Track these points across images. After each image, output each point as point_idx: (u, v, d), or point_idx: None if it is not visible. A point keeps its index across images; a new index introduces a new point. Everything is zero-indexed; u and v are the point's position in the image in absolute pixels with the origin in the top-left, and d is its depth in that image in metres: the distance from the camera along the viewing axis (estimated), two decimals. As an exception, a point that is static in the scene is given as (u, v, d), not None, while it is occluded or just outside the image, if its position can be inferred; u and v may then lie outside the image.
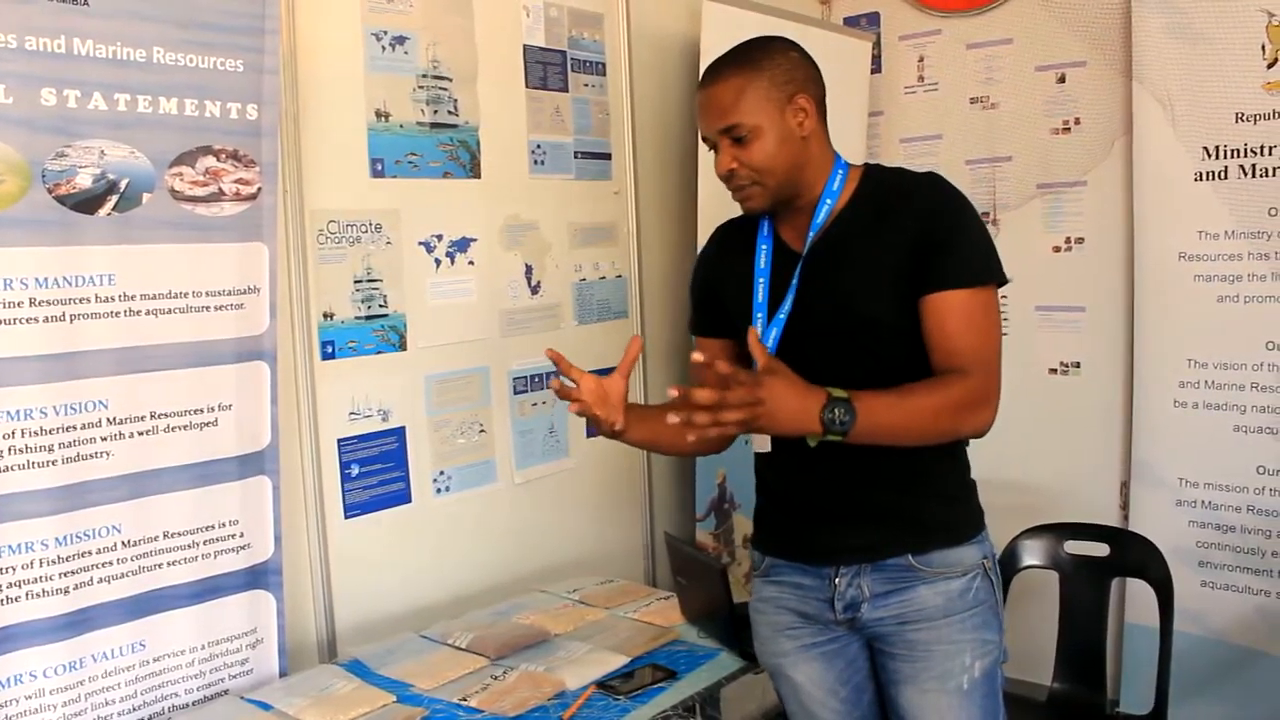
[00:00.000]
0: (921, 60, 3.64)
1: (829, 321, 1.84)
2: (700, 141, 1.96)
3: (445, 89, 2.54)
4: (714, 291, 2.03)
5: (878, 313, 1.82)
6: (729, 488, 3.17)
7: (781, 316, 1.88)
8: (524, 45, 2.73)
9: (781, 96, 1.82)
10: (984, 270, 1.80)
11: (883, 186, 1.88)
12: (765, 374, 1.62)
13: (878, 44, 3.69)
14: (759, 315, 1.90)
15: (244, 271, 2.07)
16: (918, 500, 1.87)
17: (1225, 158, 2.99)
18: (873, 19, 3.74)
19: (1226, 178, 2.99)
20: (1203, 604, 3.10)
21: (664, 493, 3.17)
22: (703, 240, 2.86)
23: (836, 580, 1.89)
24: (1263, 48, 2.89)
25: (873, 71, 3.65)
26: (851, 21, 3.77)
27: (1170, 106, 3.06)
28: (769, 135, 1.80)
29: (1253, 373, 3.00)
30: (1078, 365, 3.39)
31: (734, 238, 2.02)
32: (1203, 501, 3.11)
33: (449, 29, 2.55)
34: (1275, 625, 3.01)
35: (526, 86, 2.73)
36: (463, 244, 2.59)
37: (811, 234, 1.87)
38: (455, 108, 2.56)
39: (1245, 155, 2.96)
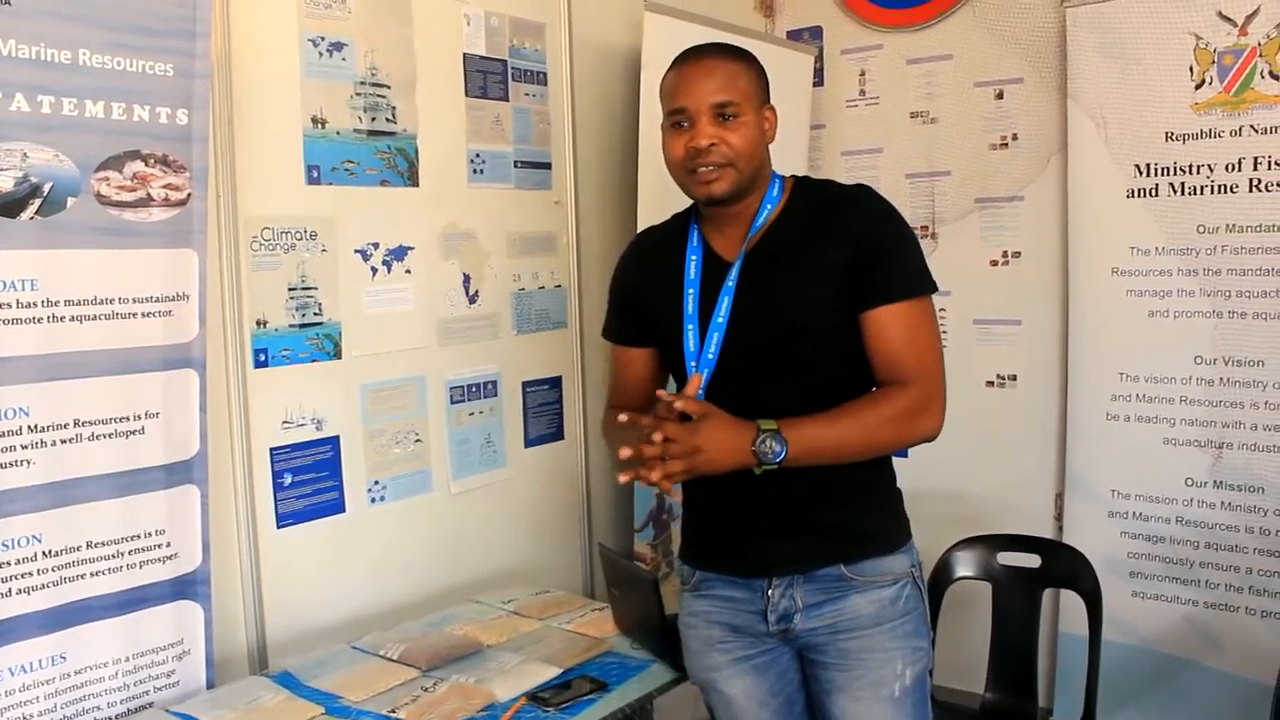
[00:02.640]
0: (863, 74, 3.67)
1: (768, 330, 1.85)
2: (665, 127, 1.89)
3: (383, 96, 2.52)
4: (634, 300, 2.04)
5: (816, 323, 1.84)
6: (667, 498, 3.17)
7: (721, 322, 1.87)
8: (464, 53, 2.72)
9: (762, 96, 1.90)
10: (920, 282, 1.85)
11: (815, 198, 1.93)
12: (700, 420, 1.69)
13: (820, 57, 3.71)
14: (690, 326, 1.90)
15: (172, 278, 2.04)
16: (849, 510, 1.89)
17: (1156, 175, 3.04)
18: (815, 33, 3.77)
19: (1157, 195, 3.05)
20: (1133, 614, 3.14)
21: (602, 503, 3.17)
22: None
23: (770, 592, 1.89)
24: (1191, 69, 2.95)
25: (815, 84, 3.67)
26: (794, 35, 3.80)
27: (1104, 124, 3.11)
28: (752, 124, 1.85)
29: (1182, 386, 3.06)
30: (1014, 378, 3.43)
31: (655, 246, 2.04)
32: (1134, 513, 3.15)
33: (388, 36, 2.53)
34: (1203, 634, 3.06)
35: (466, 95, 2.72)
36: (400, 252, 2.57)
37: (749, 239, 1.88)
38: (393, 115, 2.54)
39: (1175, 174, 3.01)
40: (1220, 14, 2.90)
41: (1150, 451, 3.11)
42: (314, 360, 2.42)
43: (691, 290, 1.92)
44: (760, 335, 1.86)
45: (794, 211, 1.90)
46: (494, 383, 2.84)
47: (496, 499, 2.87)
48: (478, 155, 2.75)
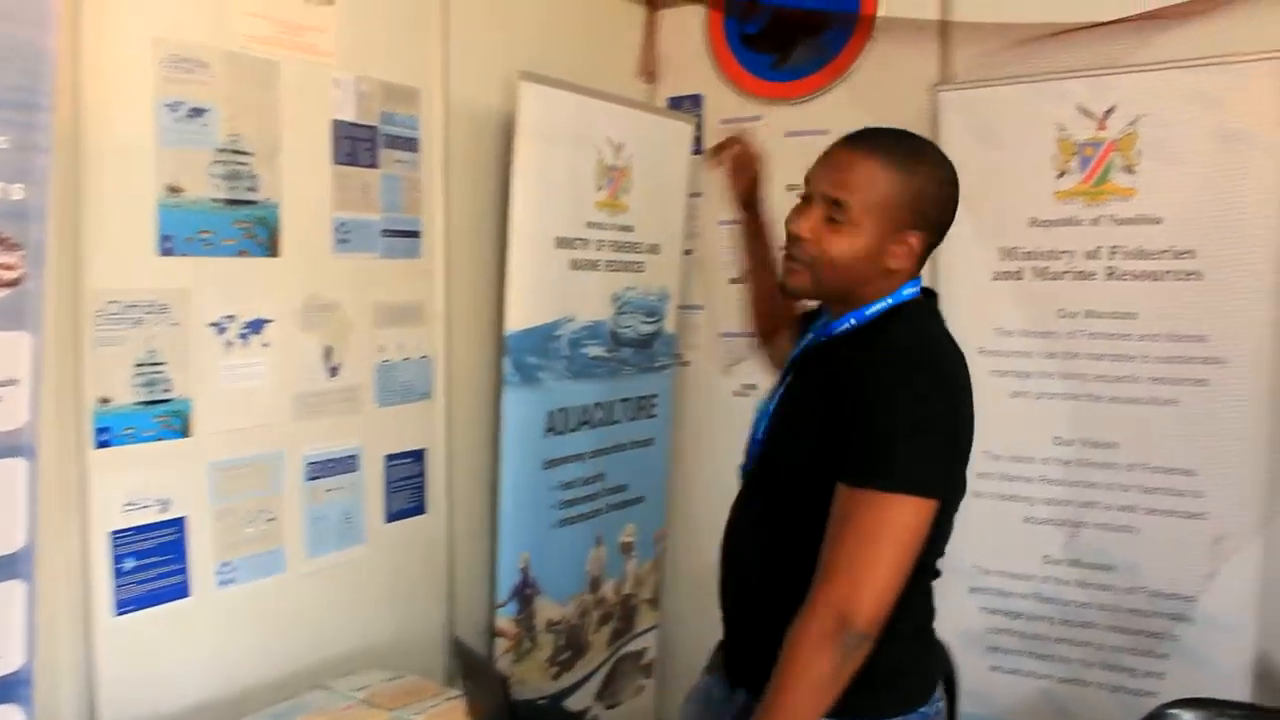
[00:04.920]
0: (741, 145, 3.69)
1: (774, 460, 1.82)
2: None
3: (245, 164, 2.43)
4: None
5: (791, 456, 1.78)
6: (532, 572, 3.12)
7: (757, 439, 1.86)
8: (333, 119, 2.64)
9: (903, 220, 1.72)
10: (876, 472, 1.60)
11: (866, 333, 1.78)
12: None
13: (700, 126, 3.73)
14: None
15: (2, 363, 1.92)
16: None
17: (1020, 260, 3.12)
18: (696, 101, 3.78)
19: (1021, 279, 3.12)
20: (991, 687, 3.19)
21: (465, 578, 3.10)
22: (514, 318, 2.88)
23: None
24: (1054, 158, 3.04)
25: (694, 153, 3.68)
26: (675, 102, 3.81)
27: (973, 207, 3.15)
28: (862, 237, 1.71)
29: (1041, 466, 3.13)
30: (881, 452, 3.46)
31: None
32: (994, 589, 3.21)
33: (252, 102, 2.45)
34: (1057, 708, 3.13)
35: (334, 162, 2.65)
36: (257, 325, 2.48)
37: (803, 344, 1.87)
38: (255, 184, 2.46)
39: (1038, 258, 3.09)
40: (1081, 108, 2.99)
41: (1011, 529, 3.17)
42: (161, 439, 2.31)
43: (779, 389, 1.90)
44: (770, 459, 1.83)
45: (850, 338, 1.79)
46: (354, 457, 2.76)
47: (354, 577, 2.78)
48: (343, 224, 2.68)
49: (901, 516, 1.59)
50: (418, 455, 2.95)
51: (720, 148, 2.37)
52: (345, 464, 2.73)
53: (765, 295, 2.34)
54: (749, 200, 2.38)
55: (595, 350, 3.27)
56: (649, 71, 3.79)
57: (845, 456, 1.62)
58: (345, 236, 2.68)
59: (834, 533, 1.61)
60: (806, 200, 1.77)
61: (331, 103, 2.65)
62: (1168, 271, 2.91)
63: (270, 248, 2.50)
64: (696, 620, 3.32)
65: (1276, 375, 2.83)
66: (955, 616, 3.12)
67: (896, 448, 1.60)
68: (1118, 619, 3.04)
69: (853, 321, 1.80)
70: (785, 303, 2.19)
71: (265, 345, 2.51)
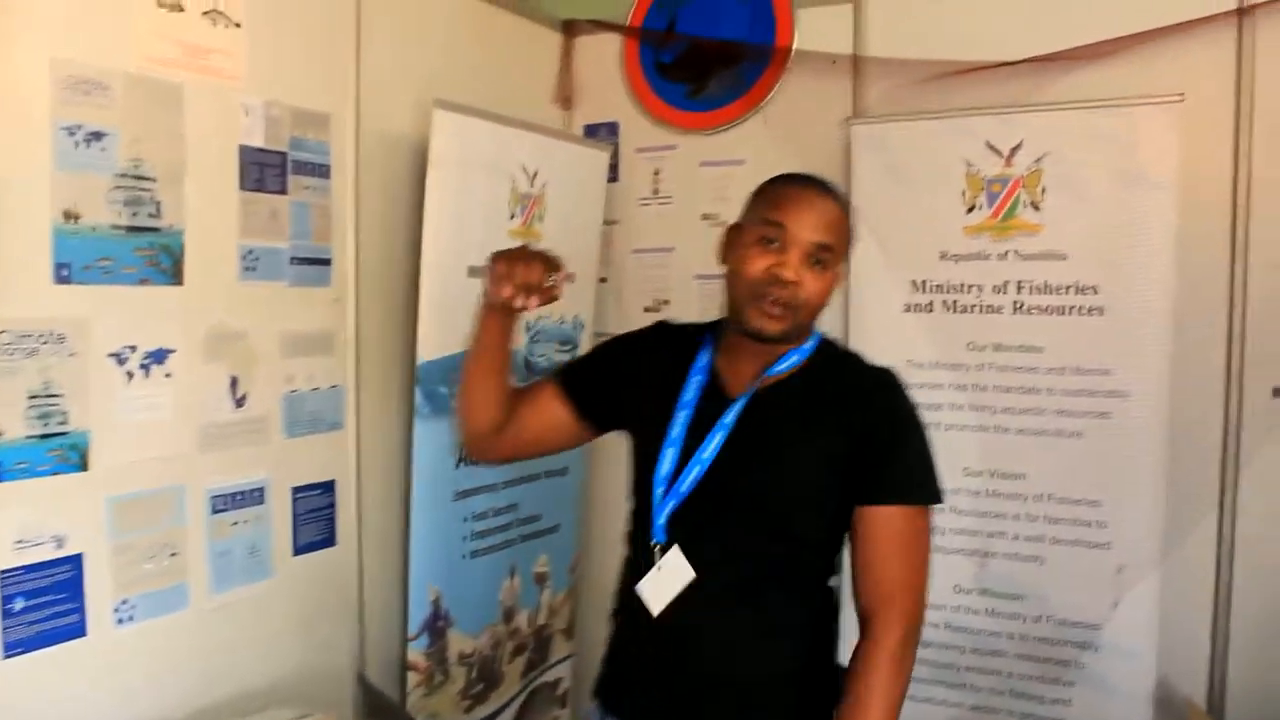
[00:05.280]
0: (657, 173, 3.71)
1: (754, 479, 1.80)
2: (750, 238, 1.80)
3: (147, 189, 2.36)
4: (620, 378, 1.95)
5: (800, 489, 1.80)
6: (444, 604, 3.07)
7: (706, 458, 1.80)
8: (240, 145, 2.58)
9: (847, 254, 1.87)
10: (924, 489, 1.82)
11: (839, 366, 1.89)
12: None
13: (616, 154, 3.73)
14: (669, 450, 1.81)
15: (-115, 396, 1.84)
16: None
17: (930, 292, 3.17)
18: (612, 128, 3.79)
19: (931, 311, 3.17)
20: (903, 716, 3.20)
21: (376, 611, 3.04)
22: (427, 347, 2.83)
23: None
24: (963, 194, 3.09)
25: (610, 180, 3.68)
26: (591, 130, 3.81)
27: (883, 240, 3.22)
28: (832, 279, 1.82)
29: (952, 497, 3.11)
30: (796, 481, 3.48)
31: (669, 347, 1.94)
32: (906, 618, 3.23)
33: (155, 126, 2.38)
34: (966, 736, 3.16)
35: (240, 188, 2.58)
36: (159, 355, 2.41)
37: (761, 380, 1.82)
38: (158, 210, 2.39)
39: (948, 291, 3.14)
40: (989, 144, 3.05)
41: (921, 559, 3.20)
42: (56, 473, 2.22)
43: (684, 412, 1.83)
44: (744, 482, 1.80)
45: (812, 371, 1.86)
46: (260, 490, 2.69)
47: (260, 612, 2.71)
48: (250, 251, 2.62)
49: (931, 525, 1.85)
50: (327, 487, 2.89)
51: (510, 262, 1.84)
52: (251, 496, 2.67)
53: (499, 393, 2.05)
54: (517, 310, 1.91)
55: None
56: (565, 98, 3.78)
57: (889, 478, 1.78)
58: (252, 264, 2.62)
59: (886, 551, 1.77)
60: (775, 244, 1.76)
61: (239, 127, 2.59)
62: (1072, 306, 2.98)
63: (174, 275, 2.43)
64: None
65: (1175, 409, 2.91)
66: (868, 645, 3.16)
67: (930, 464, 1.83)
68: (1026, 647, 3.09)
69: (796, 358, 1.85)
70: (508, 393, 2.06)
71: (168, 376, 2.43)
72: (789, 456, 1.80)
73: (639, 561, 1.88)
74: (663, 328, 2.05)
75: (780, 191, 1.82)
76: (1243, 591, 2.99)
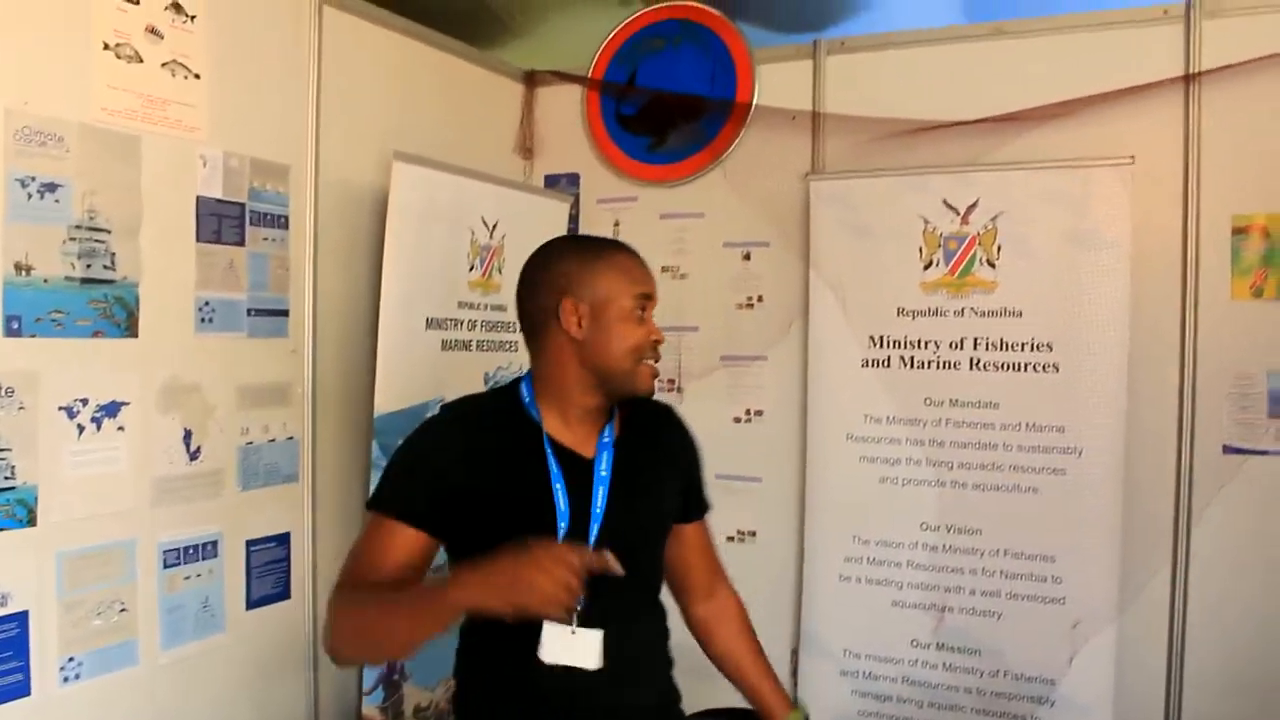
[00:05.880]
0: (618, 224, 3.73)
1: (643, 520, 1.92)
2: (624, 313, 1.83)
3: (102, 241, 2.34)
4: (453, 489, 1.80)
5: (667, 525, 2.02)
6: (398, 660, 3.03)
7: (598, 513, 1.83)
8: (198, 196, 2.57)
9: None
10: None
11: (636, 406, 1.96)
12: None
13: (576, 204, 3.75)
14: (562, 524, 1.79)
15: None
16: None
17: (888, 348, 3.19)
18: (573, 179, 3.81)
19: (889, 366, 3.19)
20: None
21: (330, 665, 2.97)
22: (384, 399, 2.81)
23: None
24: (920, 250, 3.13)
25: (570, 231, 3.69)
26: (552, 180, 3.82)
27: (842, 294, 3.25)
28: None
29: (909, 551, 3.18)
30: (754, 534, 3.49)
31: (485, 434, 1.86)
32: (864, 672, 3.24)
33: (111, 177, 2.37)
34: (923, 787, 3.17)
35: (197, 240, 2.57)
36: (112, 408, 2.38)
37: (608, 436, 1.89)
38: (112, 262, 2.37)
39: (905, 347, 3.17)
40: (946, 202, 3.09)
41: (879, 613, 3.21)
42: (2, 529, 2.18)
43: (559, 486, 1.81)
44: (636, 525, 1.88)
45: (628, 417, 1.95)
46: (214, 543, 2.65)
47: (213, 667, 2.66)
48: (207, 303, 2.60)
49: None
50: (282, 539, 2.85)
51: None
52: (204, 550, 2.63)
53: None
54: None
55: (468, 431, 3.22)
56: (526, 148, 3.80)
57: (701, 497, 2.10)
58: (209, 316, 2.60)
59: (707, 548, 2.13)
60: (643, 311, 1.87)
61: (197, 178, 2.58)
62: (1028, 363, 3.02)
63: (128, 328, 2.41)
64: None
65: (1129, 465, 2.94)
66: (826, 698, 3.18)
67: None
68: (983, 702, 3.10)
69: (618, 411, 1.96)
70: None
71: (120, 429, 2.40)
72: (655, 493, 1.95)
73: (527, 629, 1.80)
74: (459, 415, 1.93)
75: (626, 265, 1.88)
76: (1196, 646, 3.01)
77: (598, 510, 1.83)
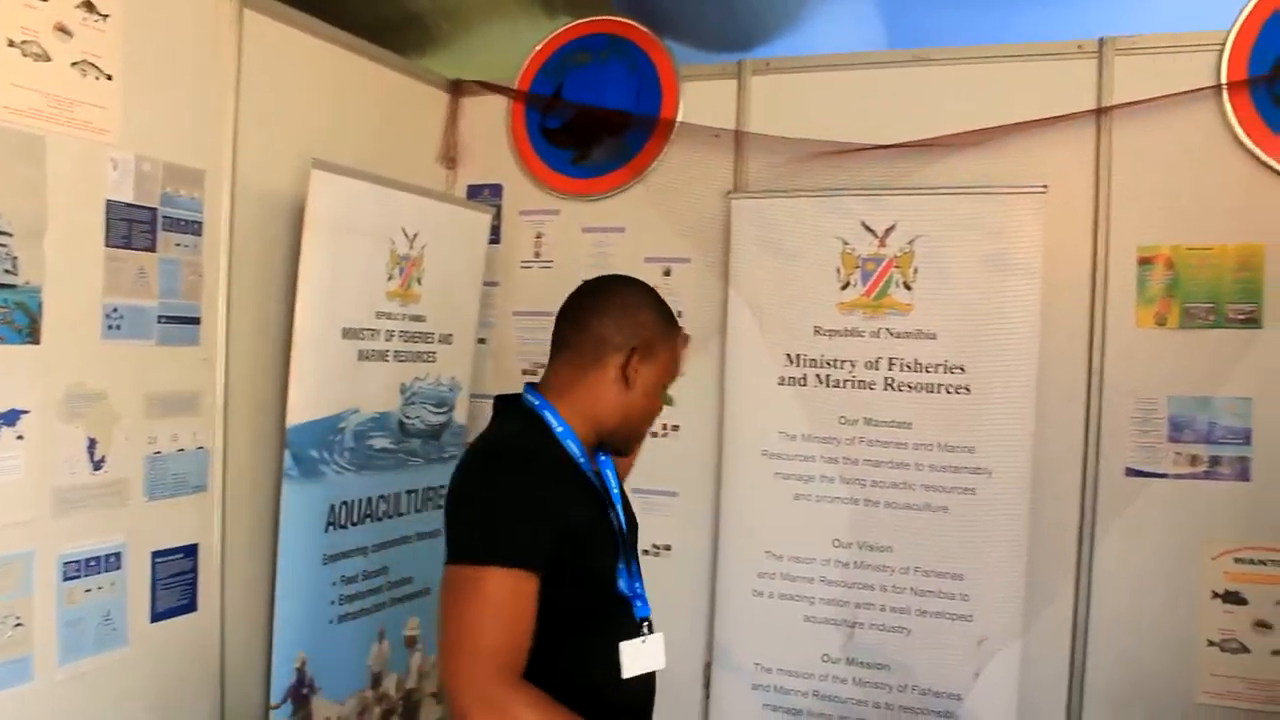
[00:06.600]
0: (539, 237, 3.73)
1: (635, 533, 2.05)
2: (659, 383, 2.00)
3: (3, 245, 2.28)
4: (564, 527, 1.78)
5: None
6: (309, 670, 2.99)
7: (624, 529, 1.95)
8: (107, 200, 2.51)
9: None
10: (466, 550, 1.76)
11: None
12: None
13: (499, 216, 3.73)
14: (620, 543, 1.93)
15: None
16: None
17: (804, 366, 3.22)
18: (496, 190, 3.80)
19: (805, 384, 3.23)
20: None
21: (238, 678, 2.94)
22: (298, 409, 2.79)
23: None
24: (838, 271, 3.17)
25: (492, 242, 3.67)
26: (475, 190, 3.81)
27: (760, 313, 3.27)
28: None
29: (821, 567, 3.21)
30: (669, 548, 3.51)
31: (564, 471, 1.87)
32: (775, 686, 3.27)
33: (14, 179, 2.30)
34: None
35: (106, 245, 2.51)
36: (10, 417, 2.31)
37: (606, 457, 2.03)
38: (14, 266, 2.30)
39: (821, 366, 3.20)
40: (864, 224, 3.13)
41: (791, 628, 3.24)
42: (-108, 540, 2.12)
43: (617, 510, 1.96)
44: (634, 535, 2.05)
45: None
46: (117, 555, 2.59)
47: (114, 683, 2.59)
48: (115, 310, 2.54)
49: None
50: (189, 550, 2.80)
51: None
52: (107, 562, 2.57)
53: None
54: None
55: (381, 442, 3.19)
56: (450, 158, 3.78)
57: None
58: (116, 323, 2.55)
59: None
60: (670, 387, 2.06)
61: (107, 182, 2.52)
62: (941, 385, 3.07)
63: (29, 334, 2.34)
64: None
65: (1035, 486, 3.01)
66: (737, 713, 3.20)
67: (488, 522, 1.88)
68: (891, 716, 3.14)
69: None
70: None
71: (20, 438, 2.34)
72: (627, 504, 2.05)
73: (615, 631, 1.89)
74: (536, 454, 1.86)
75: (684, 349, 2.04)
76: (1097, 663, 3.09)
77: (623, 525, 1.95)
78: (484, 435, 1.96)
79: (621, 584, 1.91)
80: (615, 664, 1.87)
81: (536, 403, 1.92)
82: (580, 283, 2.06)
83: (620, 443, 1.98)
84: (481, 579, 1.66)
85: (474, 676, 1.62)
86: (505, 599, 1.67)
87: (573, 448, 1.89)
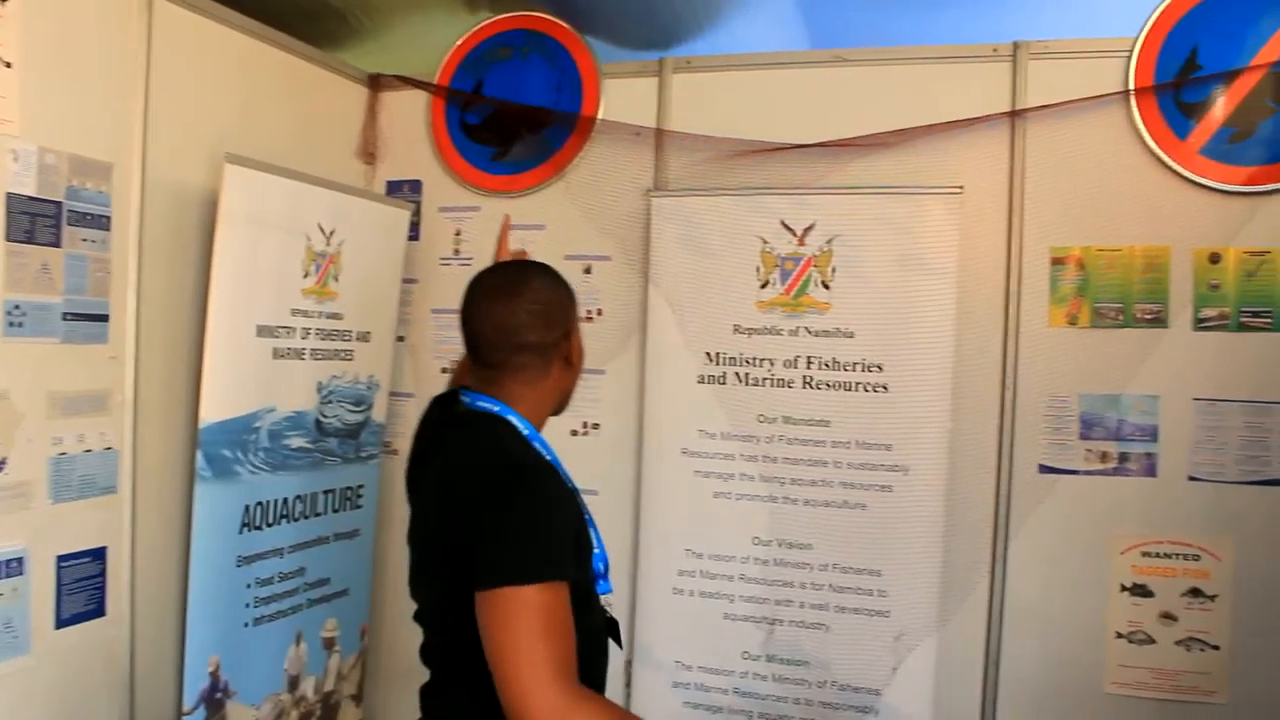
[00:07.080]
0: (459, 234, 3.69)
1: None
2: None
3: (-102, 239, 2.21)
4: (578, 527, 1.82)
5: None
6: (223, 674, 2.93)
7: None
8: (8, 193, 2.43)
9: None
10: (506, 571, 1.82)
11: None
12: None
13: (418, 212, 3.69)
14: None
15: None
16: None
17: (724, 364, 3.24)
18: (415, 186, 3.75)
19: (725, 383, 3.24)
20: (692, 781, 3.25)
21: (149, 684, 2.87)
22: (210, 408, 2.73)
23: None
24: (758, 269, 3.18)
25: (411, 239, 3.63)
26: (394, 186, 3.76)
27: (680, 311, 3.28)
28: None
29: (741, 565, 3.23)
30: (590, 546, 3.49)
31: (556, 471, 1.86)
32: (696, 684, 3.28)
33: (-90, 171, 2.23)
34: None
35: (7, 239, 2.43)
36: (-93, 418, 2.24)
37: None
38: (-90, 261, 2.23)
39: (740, 364, 3.22)
40: (783, 223, 3.15)
41: (712, 626, 3.25)
42: None
43: (588, 514, 1.90)
44: None
45: None
46: (19, 559, 2.51)
47: (14, 692, 2.51)
48: (17, 307, 2.46)
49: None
50: (98, 554, 2.72)
51: None
52: (8, 567, 2.49)
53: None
54: None
55: (298, 441, 3.14)
56: (369, 153, 3.73)
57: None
58: (18, 320, 2.47)
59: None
60: None
61: (8, 174, 2.44)
62: (858, 383, 3.10)
63: (-74, 332, 2.27)
64: (402, 714, 3.22)
65: (951, 484, 3.06)
66: (658, 710, 3.20)
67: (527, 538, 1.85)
68: (811, 712, 3.17)
69: None
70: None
71: (-84, 440, 2.26)
72: None
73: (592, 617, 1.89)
74: (543, 464, 1.85)
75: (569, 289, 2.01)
76: (1011, 656, 3.14)
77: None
78: (471, 448, 1.84)
79: (597, 567, 1.91)
80: (598, 654, 1.90)
81: (496, 408, 1.86)
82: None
83: (559, 411, 1.99)
84: (529, 598, 1.64)
85: (547, 694, 1.60)
86: (556, 611, 1.66)
87: (539, 449, 1.88)
